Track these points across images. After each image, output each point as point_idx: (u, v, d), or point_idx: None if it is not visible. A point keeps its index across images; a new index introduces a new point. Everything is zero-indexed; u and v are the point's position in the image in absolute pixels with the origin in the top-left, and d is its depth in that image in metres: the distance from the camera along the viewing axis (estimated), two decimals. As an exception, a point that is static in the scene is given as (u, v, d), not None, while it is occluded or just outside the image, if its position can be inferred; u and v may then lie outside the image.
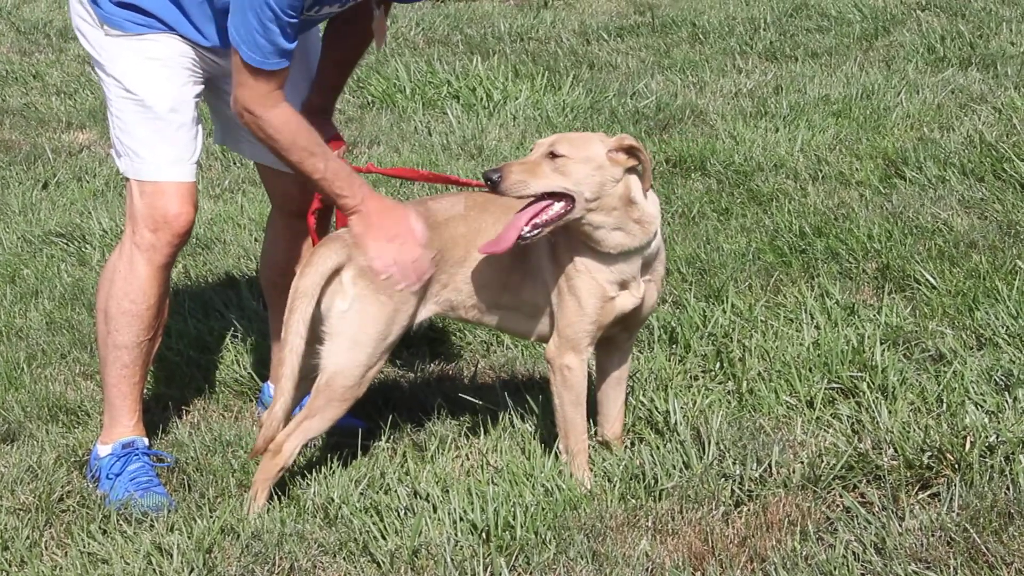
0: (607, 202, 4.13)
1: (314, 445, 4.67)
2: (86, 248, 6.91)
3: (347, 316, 4.19)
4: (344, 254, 4.20)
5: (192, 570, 3.92)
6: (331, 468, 4.45)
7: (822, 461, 4.18)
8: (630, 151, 4.14)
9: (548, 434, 4.55)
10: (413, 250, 4.20)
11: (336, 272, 4.19)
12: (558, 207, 4.10)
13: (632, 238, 4.19)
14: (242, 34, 4.11)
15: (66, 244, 6.99)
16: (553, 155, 4.10)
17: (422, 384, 5.20)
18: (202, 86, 4.51)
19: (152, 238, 4.42)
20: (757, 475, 4.15)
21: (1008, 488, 3.90)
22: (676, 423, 4.50)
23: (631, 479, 4.24)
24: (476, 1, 12.16)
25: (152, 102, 4.38)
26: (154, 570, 3.94)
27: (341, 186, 4.26)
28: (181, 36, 4.40)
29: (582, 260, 4.21)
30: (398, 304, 4.21)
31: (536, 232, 4.10)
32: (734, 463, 4.22)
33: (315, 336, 4.21)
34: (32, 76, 10.58)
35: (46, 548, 4.18)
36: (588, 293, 4.21)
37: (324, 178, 4.25)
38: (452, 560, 3.86)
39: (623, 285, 4.25)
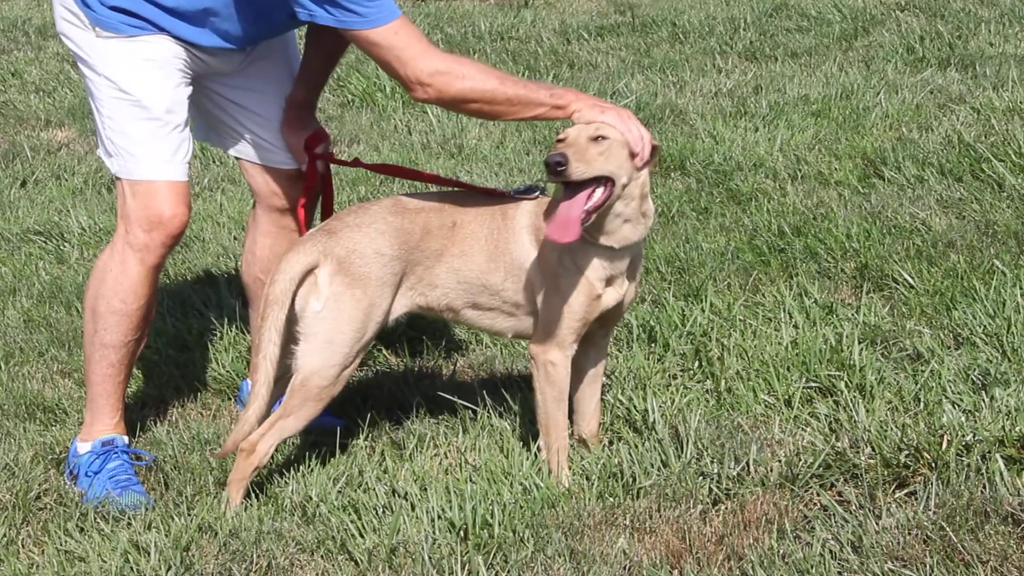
0: (631, 191, 4.14)
1: (292, 443, 4.66)
2: (64, 246, 6.89)
3: (321, 316, 4.18)
4: (316, 253, 4.19)
5: (169, 568, 3.91)
6: (309, 466, 4.45)
7: (800, 460, 4.19)
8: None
9: (526, 432, 4.56)
10: (636, 120, 4.17)
11: (311, 272, 4.18)
12: (601, 192, 4.08)
13: (636, 231, 4.21)
14: (358, 10, 4.13)
15: (44, 242, 6.97)
16: (598, 138, 4.09)
17: (401, 382, 5.20)
18: (192, 87, 4.52)
19: (146, 238, 4.41)
20: (735, 474, 4.16)
21: (984, 487, 3.92)
22: (654, 422, 4.51)
23: (609, 477, 4.24)
24: (457, 0, 12.16)
25: (149, 103, 4.38)
26: (131, 568, 3.93)
27: (546, 90, 4.22)
28: (175, 37, 4.41)
29: (572, 257, 4.21)
30: (373, 299, 4.20)
31: (589, 219, 4.08)
32: (712, 462, 4.23)
33: (291, 336, 4.21)
34: (11, 74, 10.55)
35: (23, 546, 4.16)
36: (576, 291, 4.21)
37: (529, 86, 4.23)
38: (430, 558, 3.86)
39: (609, 281, 4.25)
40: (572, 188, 4.05)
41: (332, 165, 4.82)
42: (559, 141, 4.13)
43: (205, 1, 4.35)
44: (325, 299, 4.17)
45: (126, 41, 4.38)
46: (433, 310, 4.36)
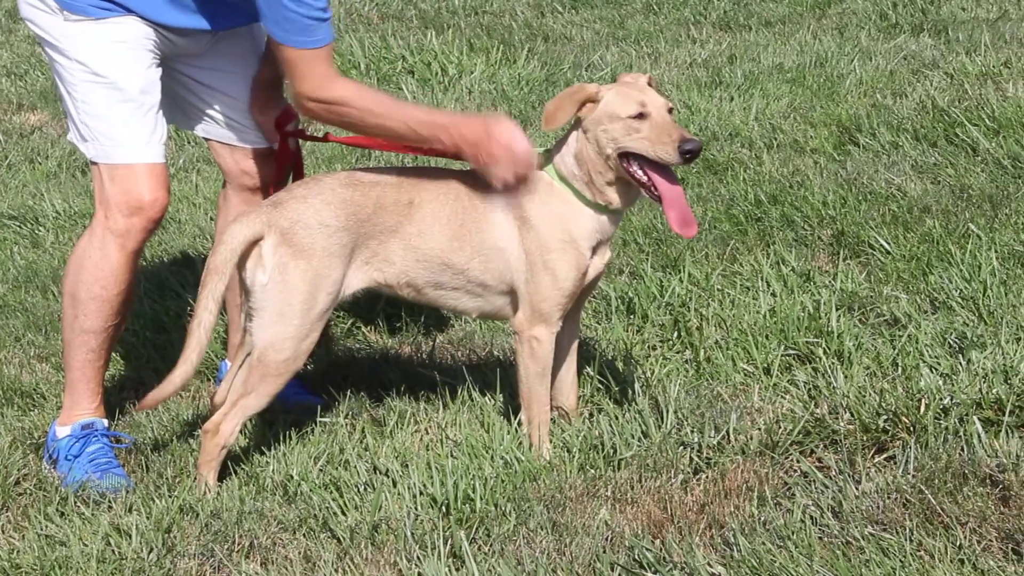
0: None
1: (272, 422, 4.65)
2: (39, 230, 6.86)
3: (268, 288, 4.16)
4: (260, 224, 4.16)
5: (151, 550, 3.91)
6: (290, 445, 4.44)
7: (779, 427, 4.20)
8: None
9: (507, 407, 4.56)
10: (517, 156, 4.18)
11: (256, 243, 4.16)
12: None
13: (635, 190, 4.23)
14: (283, 24, 4.14)
15: (19, 227, 6.93)
16: (670, 110, 4.13)
17: (380, 359, 5.20)
18: (162, 68, 4.49)
19: (126, 224, 4.39)
20: (715, 442, 4.17)
21: (962, 449, 3.93)
22: (634, 393, 4.51)
23: (590, 449, 4.25)
24: (429, -25, 12.10)
25: (124, 84, 4.35)
26: (113, 551, 3.93)
27: (430, 124, 4.26)
28: (143, 18, 4.38)
29: (567, 229, 4.19)
30: (319, 270, 4.16)
31: None
32: (692, 431, 4.24)
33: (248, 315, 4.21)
34: (-19, 58, 10.49)
35: (3, 532, 4.15)
36: (567, 266, 4.20)
37: (413, 130, 4.26)
38: (412, 534, 3.86)
39: (595, 250, 4.25)
40: (665, 171, 4.09)
41: (304, 143, 4.79)
42: (639, 116, 4.08)
43: None
44: (270, 271, 4.15)
45: (95, 24, 4.35)
46: (392, 288, 4.33)
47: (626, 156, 4.11)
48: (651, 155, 4.07)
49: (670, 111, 4.13)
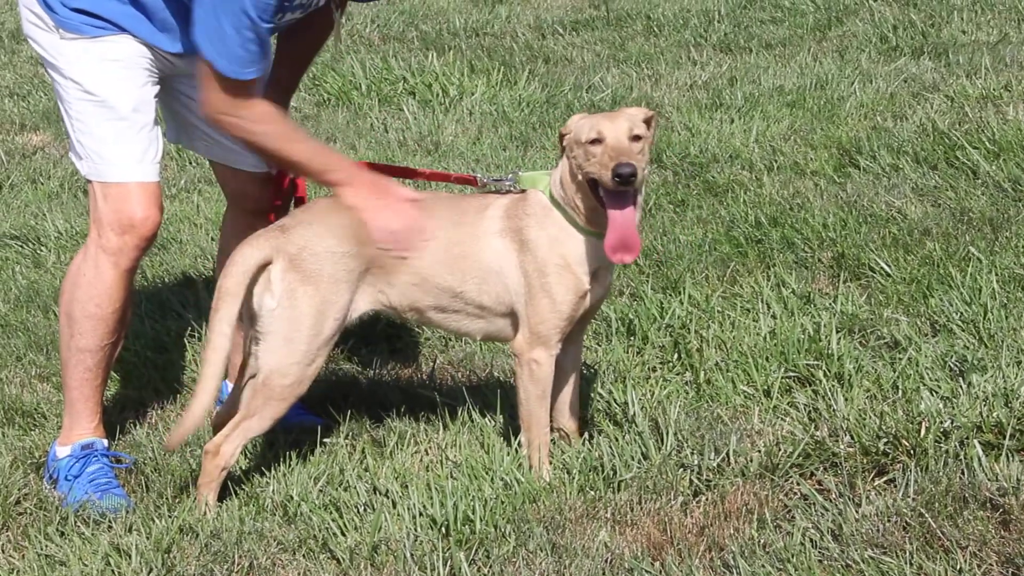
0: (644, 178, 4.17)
1: (272, 443, 4.65)
2: (41, 250, 6.86)
3: (276, 314, 4.17)
4: (270, 248, 4.18)
5: (151, 570, 3.91)
6: (290, 465, 4.44)
7: (779, 449, 4.20)
8: (650, 122, 4.21)
9: (507, 428, 4.56)
10: (408, 215, 4.21)
11: (264, 268, 4.17)
12: (639, 193, 4.11)
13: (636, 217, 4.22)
14: (216, 45, 4.10)
15: (21, 247, 6.94)
16: (635, 138, 4.10)
17: (380, 380, 5.20)
18: (159, 86, 4.50)
19: (119, 242, 4.39)
20: (715, 465, 4.17)
21: (963, 473, 3.93)
22: (634, 414, 4.52)
23: (590, 471, 4.25)
24: (431, -3, 12.14)
25: (115, 102, 4.36)
26: (112, 571, 3.93)
27: (327, 163, 4.28)
28: (138, 39, 4.39)
29: (562, 254, 4.20)
30: (327, 296, 4.18)
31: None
32: (692, 453, 4.24)
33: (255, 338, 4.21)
34: (-16, 78, 10.51)
35: (3, 551, 4.15)
36: (564, 289, 4.20)
37: (310, 160, 4.27)
38: (412, 555, 3.86)
39: (594, 275, 4.25)
40: (619, 194, 4.04)
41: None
42: (595, 142, 4.07)
43: (159, 10, 4.33)
44: (279, 296, 4.16)
45: (90, 42, 4.36)
46: (397, 311, 4.35)
47: (592, 181, 4.13)
48: (597, 178, 4.09)
49: (636, 139, 4.08)
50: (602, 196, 4.08)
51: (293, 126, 4.32)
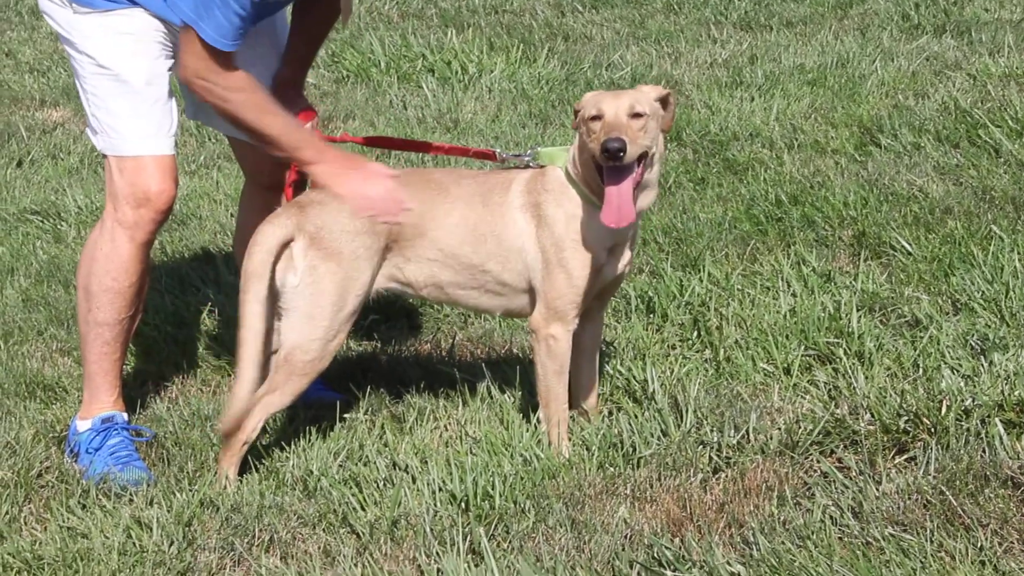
0: (656, 155, 4.15)
1: (293, 418, 4.66)
2: (61, 225, 6.88)
3: (299, 290, 4.18)
4: (291, 226, 4.19)
5: (172, 543, 3.92)
6: (310, 441, 4.45)
7: (799, 427, 4.20)
8: (666, 100, 4.17)
9: (526, 404, 4.56)
10: (384, 184, 4.24)
11: (287, 246, 4.18)
12: (637, 167, 4.08)
13: (649, 197, 4.22)
14: (200, 10, 4.11)
15: (41, 222, 6.96)
16: (636, 115, 4.08)
17: (400, 357, 5.20)
18: (173, 59, 4.49)
19: (135, 216, 4.40)
20: (735, 442, 4.17)
21: (983, 451, 3.93)
22: (654, 392, 4.51)
23: (609, 447, 4.25)
24: (450, -26, 12.10)
25: (128, 76, 4.36)
26: (134, 544, 3.94)
27: (299, 139, 4.30)
28: (150, 12, 4.38)
29: (579, 230, 4.19)
30: (348, 272, 4.19)
31: (636, 197, 4.09)
32: (712, 430, 4.24)
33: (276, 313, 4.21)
34: (4, 54, 10.52)
35: (25, 523, 4.17)
36: (581, 264, 4.20)
37: (281, 134, 4.28)
38: (431, 530, 3.87)
39: (612, 251, 4.24)
40: (615, 168, 4.03)
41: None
42: (595, 118, 4.06)
43: None
44: (301, 273, 4.18)
45: (102, 15, 4.36)
46: (416, 288, 4.35)
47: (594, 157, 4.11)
48: (592, 153, 4.08)
49: (637, 116, 4.07)
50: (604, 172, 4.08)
51: (269, 99, 4.31)
